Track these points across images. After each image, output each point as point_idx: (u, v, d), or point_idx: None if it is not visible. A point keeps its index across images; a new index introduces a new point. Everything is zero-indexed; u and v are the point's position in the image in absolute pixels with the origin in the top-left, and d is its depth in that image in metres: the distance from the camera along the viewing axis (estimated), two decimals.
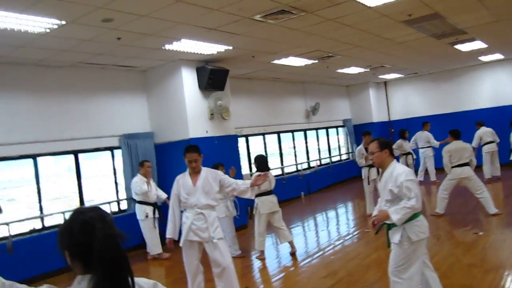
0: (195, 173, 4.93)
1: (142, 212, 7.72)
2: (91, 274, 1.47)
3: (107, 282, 1.43)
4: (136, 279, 1.60)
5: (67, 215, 1.65)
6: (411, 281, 3.75)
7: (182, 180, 4.96)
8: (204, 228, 4.85)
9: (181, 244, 4.97)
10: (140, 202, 7.76)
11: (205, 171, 4.95)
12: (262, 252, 7.14)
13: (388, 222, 3.84)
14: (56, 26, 5.66)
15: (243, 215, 9.15)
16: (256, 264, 6.91)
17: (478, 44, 10.74)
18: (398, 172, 3.81)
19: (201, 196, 4.86)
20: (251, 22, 6.45)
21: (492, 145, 11.65)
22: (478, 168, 11.26)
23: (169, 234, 5.01)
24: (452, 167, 8.23)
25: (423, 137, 12.54)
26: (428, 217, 8.55)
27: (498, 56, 13.31)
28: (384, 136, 15.38)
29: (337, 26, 7.33)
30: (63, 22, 5.55)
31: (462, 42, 10.21)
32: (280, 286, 5.89)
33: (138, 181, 7.69)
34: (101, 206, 6.40)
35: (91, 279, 1.45)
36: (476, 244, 6.47)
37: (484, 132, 11.75)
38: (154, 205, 7.83)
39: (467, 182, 8.18)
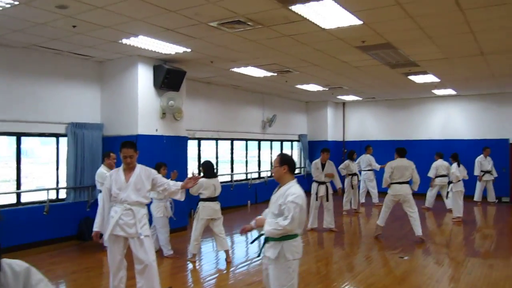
0: (129, 169, 4.96)
1: None
2: None
3: None
4: (9, 261, 1.66)
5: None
6: None
7: (115, 175, 4.98)
8: (131, 224, 4.87)
9: (106, 238, 4.98)
10: None
11: (139, 168, 4.98)
12: (195, 255, 7.19)
13: (265, 233, 3.87)
14: (9, 6, 5.59)
15: (183, 217, 9.22)
16: (187, 266, 6.95)
17: (430, 78, 11.21)
18: (291, 191, 3.79)
19: (132, 192, 4.88)
20: (208, 27, 6.55)
21: (444, 179, 12.08)
22: (421, 196, 11.86)
23: (96, 227, 5.01)
24: (392, 183, 8.56)
25: (365, 160, 13.00)
26: (360, 238, 8.86)
27: (450, 91, 13.91)
28: (337, 155, 15.86)
29: (294, 43, 7.53)
30: (16, 3, 5.49)
31: (416, 74, 10.65)
32: None
33: (104, 171, 7.26)
34: (39, 193, 6.37)
35: None
36: (399, 267, 6.75)
37: (441, 165, 12.18)
38: None
39: (403, 199, 8.51)
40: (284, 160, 3.97)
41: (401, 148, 8.81)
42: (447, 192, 11.01)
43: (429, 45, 7.74)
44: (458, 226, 10.10)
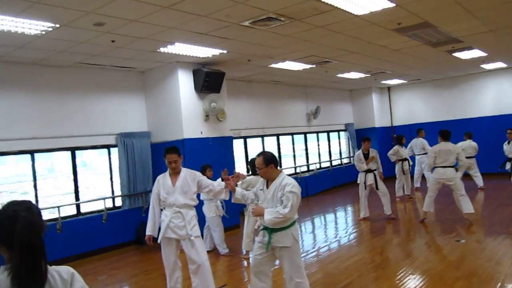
0: (174, 173, 5.14)
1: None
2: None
3: (23, 263, 1.64)
4: (57, 267, 1.80)
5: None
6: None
7: (162, 180, 5.18)
8: (181, 226, 5.05)
9: (159, 241, 5.18)
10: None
11: (184, 172, 5.15)
12: (248, 252, 7.29)
13: (268, 225, 4.14)
14: (50, 29, 5.91)
15: (236, 215, 9.37)
16: (241, 263, 7.08)
17: (477, 53, 10.78)
18: (287, 182, 4.11)
19: (179, 195, 5.06)
20: (241, 28, 6.63)
21: (471, 160, 11.72)
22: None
23: (148, 231, 5.21)
24: (436, 167, 8.34)
25: (418, 144, 12.57)
26: (415, 224, 8.68)
27: (500, 64, 13.30)
28: (386, 141, 15.56)
29: (328, 33, 7.47)
30: (57, 25, 5.80)
31: (460, 50, 10.26)
32: None
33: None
34: (96, 202, 6.69)
35: (10, 262, 1.66)
36: (455, 251, 6.58)
37: (468, 146, 11.84)
38: None
39: (449, 183, 8.28)
40: (268, 160, 4.23)
41: (445, 131, 8.49)
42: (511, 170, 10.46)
43: (470, 19, 7.45)
44: None
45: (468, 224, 8.15)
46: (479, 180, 12.18)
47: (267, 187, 4.28)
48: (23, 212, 1.75)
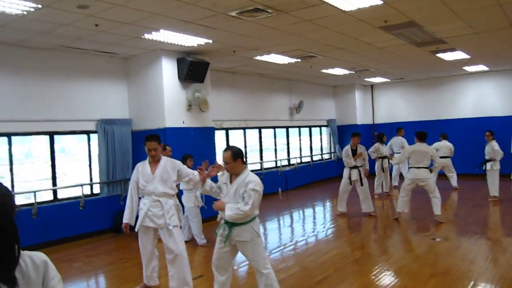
0: (154, 161, 5.07)
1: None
2: None
3: None
4: (30, 253, 1.74)
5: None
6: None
7: (142, 168, 5.11)
8: (160, 215, 5.00)
9: (136, 230, 5.13)
10: None
11: (164, 160, 5.09)
12: None
13: (228, 220, 4.17)
14: (32, 9, 5.76)
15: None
16: None
17: (460, 54, 10.90)
18: (250, 179, 4.15)
19: (158, 184, 5.01)
20: (227, 17, 6.57)
21: (445, 160, 11.90)
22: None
23: (125, 219, 5.15)
24: (410, 167, 8.52)
25: (397, 142, 12.71)
26: (392, 221, 8.79)
27: (482, 67, 13.49)
28: (367, 138, 15.69)
29: (314, 28, 7.46)
30: (39, 6, 5.65)
31: (444, 51, 10.37)
32: (236, 276, 6.04)
33: None
34: (74, 189, 6.60)
35: None
36: (430, 250, 6.67)
37: (443, 146, 12.05)
38: None
39: (422, 184, 8.44)
40: (236, 155, 4.23)
41: (421, 132, 8.66)
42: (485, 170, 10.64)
43: (455, 20, 7.52)
44: (494, 206, 9.86)
45: (439, 224, 8.27)
46: (454, 180, 12.39)
47: (231, 182, 4.30)
48: None
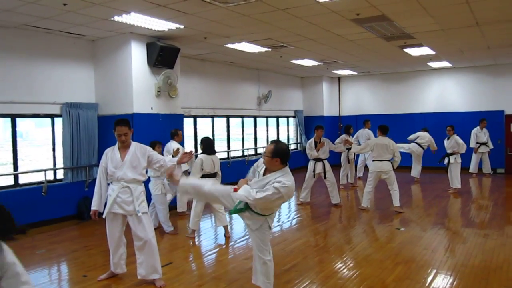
0: (124, 147, 4.96)
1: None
2: None
3: None
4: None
5: None
6: (272, 262, 4.31)
7: (111, 154, 4.99)
8: (129, 202, 4.91)
9: (104, 216, 5.02)
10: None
11: (134, 146, 4.98)
12: (194, 231, 7.24)
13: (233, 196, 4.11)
14: None
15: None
16: (186, 242, 7.01)
17: (426, 50, 11.16)
18: (283, 180, 3.85)
19: (128, 170, 4.90)
20: (200, 3, 6.47)
21: (419, 149, 12.57)
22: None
23: (94, 205, 5.01)
24: (374, 160, 8.86)
25: (364, 134, 12.95)
26: (357, 211, 8.97)
27: (445, 63, 13.87)
28: (333, 130, 15.90)
29: (288, 17, 7.45)
30: None
31: (411, 46, 10.59)
32: (204, 264, 6.04)
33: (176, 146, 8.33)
34: (37, 175, 6.43)
35: None
36: (394, 239, 6.85)
37: (424, 135, 12.46)
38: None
39: (384, 176, 8.76)
40: (276, 153, 3.94)
41: (383, 126, 8.94)
42: (448, 164, 10.99)
43: (424, 16, 7.68)
44: (454, 198, 10.21)
45: (400, 214, 8.56)
46: (416, 172, 12.80)
47: (264, 174, 4.08)
48: None
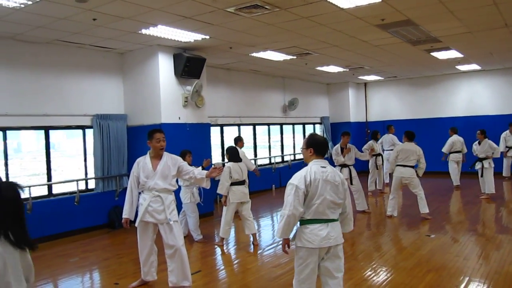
0: (155, 157, 5.07)
1: None
2: None
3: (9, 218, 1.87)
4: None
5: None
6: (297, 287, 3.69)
7: (143, 163, 5.10)
8: (160, 210, 5.00)
9: (136, 225, 5.12)
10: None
11: (166, 156, 5.10)
12: (223, 239, 7.29)
13: None
14: (30, 2, 5.72)
15: (209, 202, 9.36)
16: (215, 250, 7.07)
17: (453, 53, 11.00)
18: (299, 172, 3.67)
19: (159, 180, 5.00)
20: (226, 13, 6.57)
21: (459, 155, 12.00)
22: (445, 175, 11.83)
23: (125, 214, 5.13)
24: (397, 165, 8.66)
25: (388, 139, 12.79)
26: (386, 218, 8.86)
27: (475, 66, 13.62)
28: (360, 136, 15.77)
29: (312, 25, 7.49)
30: None
31: (438, 50, 10.46)
32: (233, 272, 6.08)
33: None
34: (69, 185, 6.60)
35: None
36: (425, 246, 6.74)
37: (456, 140, 12.07)
38: None
39: (407, 182, 8.60)
40: (310, 143, 3.79)
41: (410, 132, 8.81)
42: (482, 169, 10.67)
43: (451, 19, 7.59)
44: (486, 203, 9.98)
45: (427, 220, 8.40)
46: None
47: None
48: (4, 182, 1.98)
